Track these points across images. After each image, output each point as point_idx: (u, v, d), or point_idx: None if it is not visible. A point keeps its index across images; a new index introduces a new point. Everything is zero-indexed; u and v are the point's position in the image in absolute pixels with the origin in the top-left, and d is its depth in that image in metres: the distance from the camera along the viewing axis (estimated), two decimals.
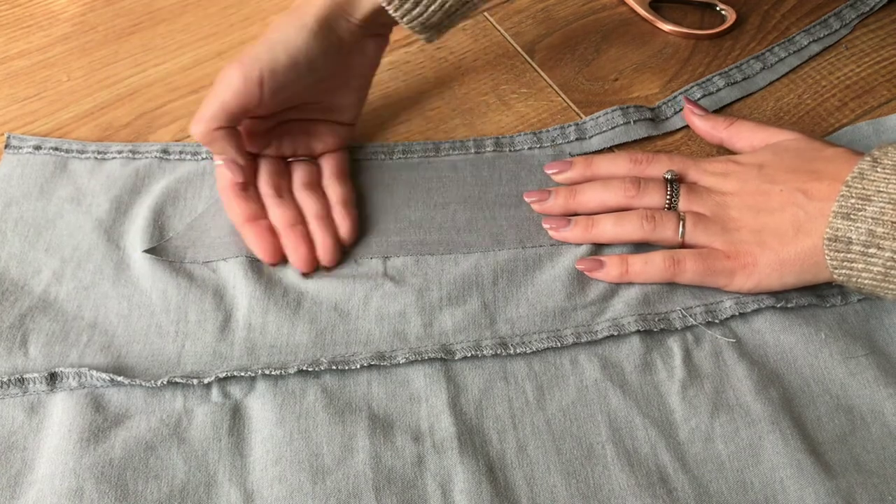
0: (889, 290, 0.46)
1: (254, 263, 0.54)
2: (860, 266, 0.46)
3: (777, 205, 0.50)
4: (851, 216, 0.46)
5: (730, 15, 0.70)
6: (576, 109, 0.65)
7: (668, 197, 0.53)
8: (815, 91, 0.65)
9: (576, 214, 0.56)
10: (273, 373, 0.48)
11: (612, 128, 0.62)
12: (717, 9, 0.71)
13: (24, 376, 0.48)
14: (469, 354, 0.50)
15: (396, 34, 0.69)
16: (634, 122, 0.62)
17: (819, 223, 0.48)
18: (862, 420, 0.48)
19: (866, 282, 0.46)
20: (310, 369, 0.49)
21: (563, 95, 0.66)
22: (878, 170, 0.46)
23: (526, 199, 0.57)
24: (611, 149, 0.62)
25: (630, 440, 0.47)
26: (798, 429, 0.47)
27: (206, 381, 0.48)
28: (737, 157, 0.54)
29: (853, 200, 0.46)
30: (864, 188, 0.46)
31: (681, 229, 0.52)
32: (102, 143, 0.61)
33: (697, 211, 0.52)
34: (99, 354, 0.50)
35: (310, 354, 0.50)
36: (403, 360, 0.49)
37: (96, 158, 0.60)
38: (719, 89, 0.65)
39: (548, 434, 0.48)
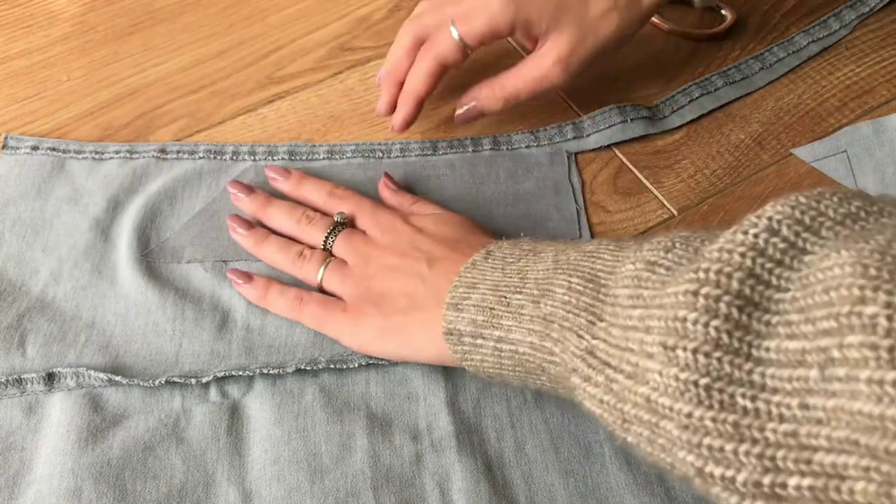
0: (511, 377, 0.45)
1: (252, 265, 0.54)
2: (477, 357, 0.45)
3: (406, 271, 0.49)
4: (459, 306, 0.45)
5: (729, 15, 0.70)
6: (576, 109, 0.65)
7: (325, 238, 0.53)
8: (815, 91, 0.65)
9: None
10: (271, 372, 0.48)
11: (609, 126, 0.62)
12: (718, 10, 0.71)
13: (22, 376, 0.48)
14: None
15: (395, 34, 0.69)
16: (631, 120, 0.62)
17: (429, 302, 0.47)
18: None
19: (490, 370, 0.45)
20: (308, 368, 0.49)
21: (563, 95, 0.65)
22: (489, 260, 0.46)
23: (229, 188, 0.57)
24: (609, 147, 0.62)
25: None
26: None
27: (204, 380, 0.48)
28: (410, 216, 0.54)
29: (462, 290, 0.45)
30: (472, 277, 0.46)
31: (321, 273, 0.52)
32: (100, 144, 0.61)
33: (343, 258, 0.52)
34: (97, 354, 0.50)
35: (308, 354, 0.50)
36: (402, 364, 0.49)
37: (94, 159, 0.60)
38: (717, 88, 0.65)
39: (546, 433, 0.48)
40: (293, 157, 0.60)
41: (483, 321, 0.44)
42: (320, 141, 0.62)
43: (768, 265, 0.31)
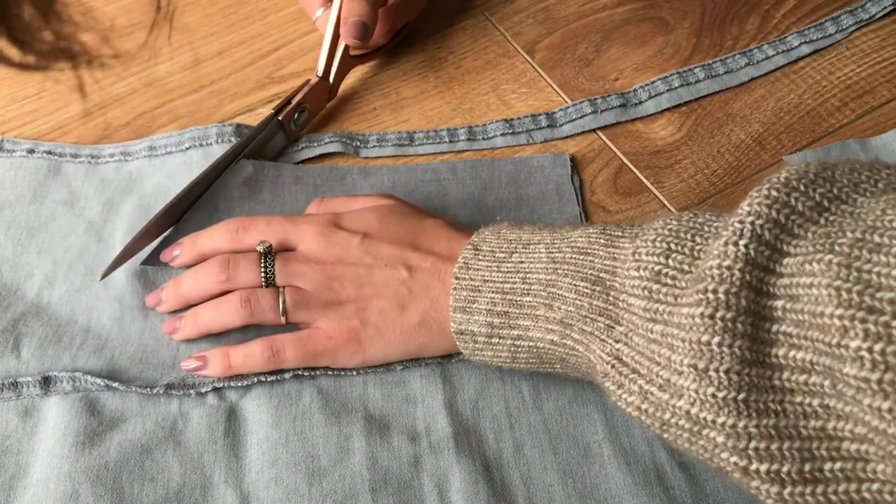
0: (524, 366, 0.47)
1: None
2: (490, 353, 0.47)
3: (381, 280, 0.49)
4: (467, 309, 0.46)
5: None
6: (564, 97, 0.65)
7: (262, 272, 0.49)
8: (815, 91, 0.65)
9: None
10: (268, 378, 0.48)
11: (581, 116, 0.63)
12: None
13: (18, 380, 0.48)
14: None
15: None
16: (602, 111, 0.63)
17: (423, 302, 0.48)
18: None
19: (502, 363, 0.47)
20: (305, 373, 0.49)
21: (564, 95, 0.65)
22: (480, 257, 0.47)
23: (149, 306, 0.52)
24: (582, 133, 0.63)
25: (627, 438, 0.47)
26: None
27: (202, 390, 0.48)
28: (341, 219, 0.51)
29: (465, 293, 0.46)
30: (471, 279, 0.47)
31: (281, 307, 0.49)
32: (96, 147, 0.61)
33: (297, 285, 0.49)
34: (92, 357, 0.50)
35: None
36: (400, 367, 0.50)
37: (90, 162, 0.60)
38: (699, 80, 0.65)
39: (544, 433, 0.48)
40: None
41: (499, 323, 0.46)
42: None
43: (759, 274, 0.35)
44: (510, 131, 0.62)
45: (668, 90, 0.65)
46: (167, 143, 0.60)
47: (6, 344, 0.50)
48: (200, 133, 0.60)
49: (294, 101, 0.60)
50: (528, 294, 0.45)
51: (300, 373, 0.49)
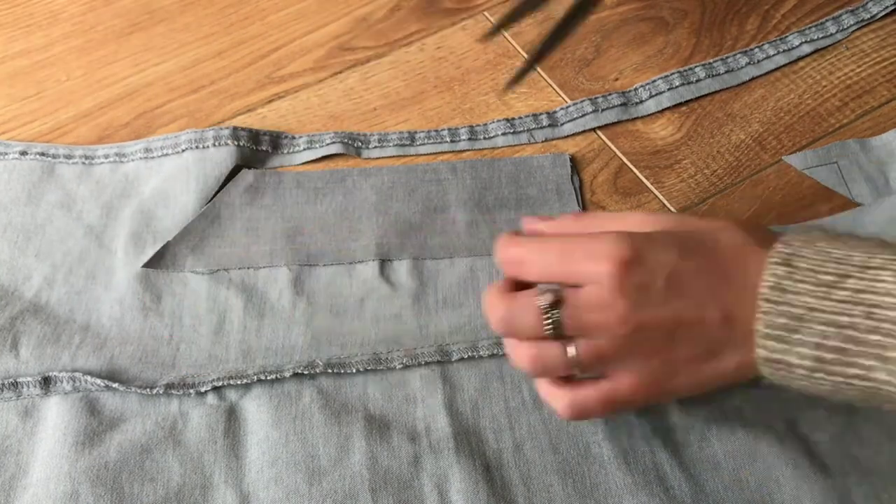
0: (838, 399, 0.41)
1: (251, 271, 0.54)
2: (806, 383, 0.40)
3: (691, 326, 0.41)
4: (785, 339, 0.39)
5: None
6: (563, 97, 0.65)
7: (548, 325, 0.42)
8: (815, 91, 0.65)
9: None
10: (268, 378, 0.48)
11: (582, 115, 0.63)
12: None
13: (18, 380, 0.48)
14: (466, 356, 0.50)
15: (395, 34, 0.69)
16: (602, 110, 0.63)
17: (737, 341, 0.41)
18: (859, 420, 0.48)
19: (815, 393, 0.41)
20: (305, 372, 0.49)
21: (564, 95, 0.65)
22: (797, 278, 0.40)
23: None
24: (582, 133, 0.63)
25: (627, 438, 0.47)
26: (793, 429, 0.47)
27: (202, 389, 0.48)
28: (636, 253, 0.41)
29: (783, 321, 0.39)
30: (789, 304, 0.39)
31: (575, 366, 0.42)
32: (89, 147, 0.61)
33: (591, 338, 0.42)
34: (91, 357, 0.50)
35: (305, 356, 0.50)
36: (400, 366, 0.49)
37: (84, 163, 0.60)
38: (700, 79, 0.65)
39: (544, 433, 0.47)
40: (275, 147, 0.61)
41: (831, 359, 0.39)
42: None
43: None
44: (511, 130, 0.62)
45: (668, 89, 0.65)
46: (163, 144, 0.60)
47: (4, 342, 0.50)
48: (197, 136, 0.60)
49: None
50: (877, 332, 0.38)
51: (300, 371, 0.49)
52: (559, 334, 0.41)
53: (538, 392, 0.45)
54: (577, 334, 0.42)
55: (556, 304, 0.41)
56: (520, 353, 0.43)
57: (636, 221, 0.45)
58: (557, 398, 0.43)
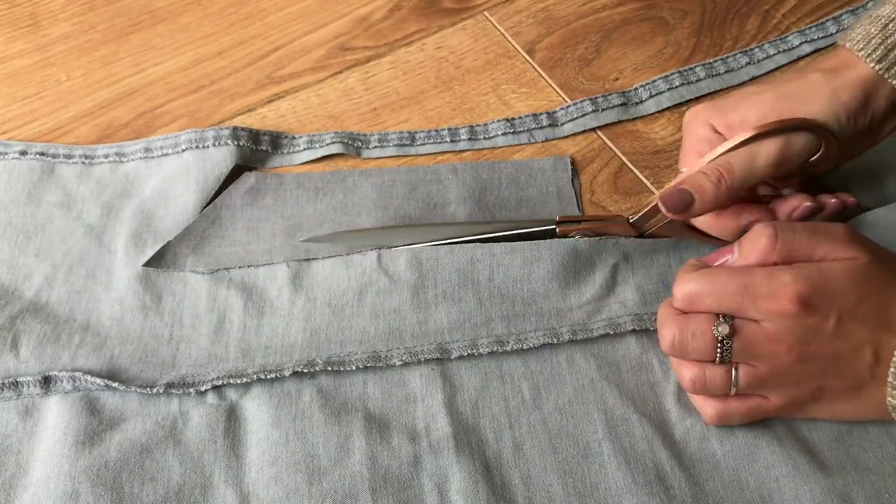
0: None
1: (251, 270, 0.54)
2: None
3: (845, 363, 0.44)
4: None
5: None
6: (564, 97, 0.65)
7: (718, 354, 0.44)
8: None
9: None
10: (268, 377, 0.48)
11: (583, 115, 0.64)
12: None
13: (18, 379, 0.48)
14: (465, 353, 0.50)
15: (395, 34, 0.70)
16: (602, 110, 0.64)
17: (881, 382, 0.44)
18: (859, 420, 0.48)
19: None
20: (305, 371, 0.49)
21: (564, 95, 0.65)
22: None
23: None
24: (582, 133, 0.63)
25: (627, 438, 0.47)
26: (793, 430, 0.47)
27: (202, 389, 0.48)
28: (812, 294, 0.43)
29: None
30: None
31: (734, 387, 0.45)
32: (89, 147, 0.61)
33: (753, 364, 0.45)
34: (91, 356, 0.50)
35: (304, 355, 0.50)
36: (399, 363, 0.49)
37: (83, 163, 0.60)
38: (700, 79, 0.66)
39: (544, 433, 0.47)
40: (275, 147, 0.62)
41: None
42: None
43: None
44: (511, 130, 0.62)
45: (668, 89, 0.65)
46: (163, 144, 0.60)
47: (4, 342, 0.50)
48: (197, 135, 0.60)
49: (583, 225, 0.54)
50: None
51: (300, 370, 0.49)
52: (726, 361, 0.44)
53: (689, 398, 0.48)
54: (741, 360, 0.45)
55: (731, 335, 0.44)
56: (683, 373, 0.46)
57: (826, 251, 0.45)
58: (707, 407, 0.47)
